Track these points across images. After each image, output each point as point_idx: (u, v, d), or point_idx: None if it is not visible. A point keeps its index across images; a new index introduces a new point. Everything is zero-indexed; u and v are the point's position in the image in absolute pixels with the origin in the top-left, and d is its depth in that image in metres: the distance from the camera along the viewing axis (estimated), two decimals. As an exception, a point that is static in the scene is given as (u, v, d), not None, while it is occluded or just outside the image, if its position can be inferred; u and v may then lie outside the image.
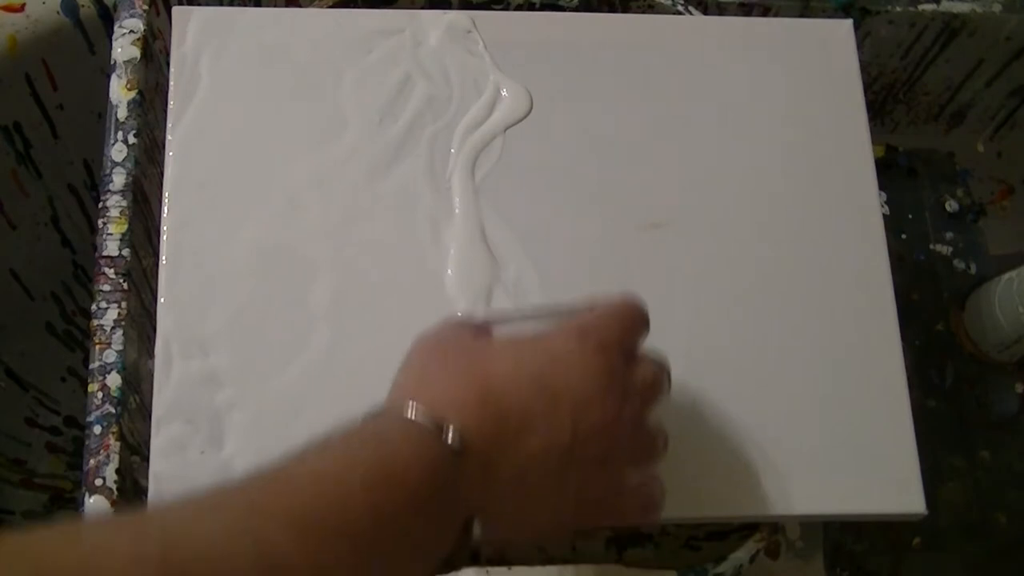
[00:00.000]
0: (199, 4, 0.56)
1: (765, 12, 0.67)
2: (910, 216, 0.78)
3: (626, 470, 0.41)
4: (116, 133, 0.54)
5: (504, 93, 0.54)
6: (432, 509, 0.34)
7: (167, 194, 0.50)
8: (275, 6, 0.64)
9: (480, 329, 0.42)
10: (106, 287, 0.51)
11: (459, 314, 0.44)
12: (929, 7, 0.69)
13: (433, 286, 0.50)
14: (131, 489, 0.49)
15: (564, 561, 0.56)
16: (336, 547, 0.31)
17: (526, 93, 0.54)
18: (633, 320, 0.42)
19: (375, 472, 0.33)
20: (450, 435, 0.35)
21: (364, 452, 0.34)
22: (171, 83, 0.52)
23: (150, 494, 0.45)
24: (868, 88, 0.68)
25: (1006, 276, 0.70)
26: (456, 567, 0.37)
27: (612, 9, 0.64)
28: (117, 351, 0.50)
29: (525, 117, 0.54)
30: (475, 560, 0.58)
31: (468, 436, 0.35)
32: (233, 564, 0.28)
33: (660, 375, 0.42)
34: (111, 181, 0.53)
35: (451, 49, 0.55)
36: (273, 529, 0.30)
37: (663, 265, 0.52)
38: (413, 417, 0.36)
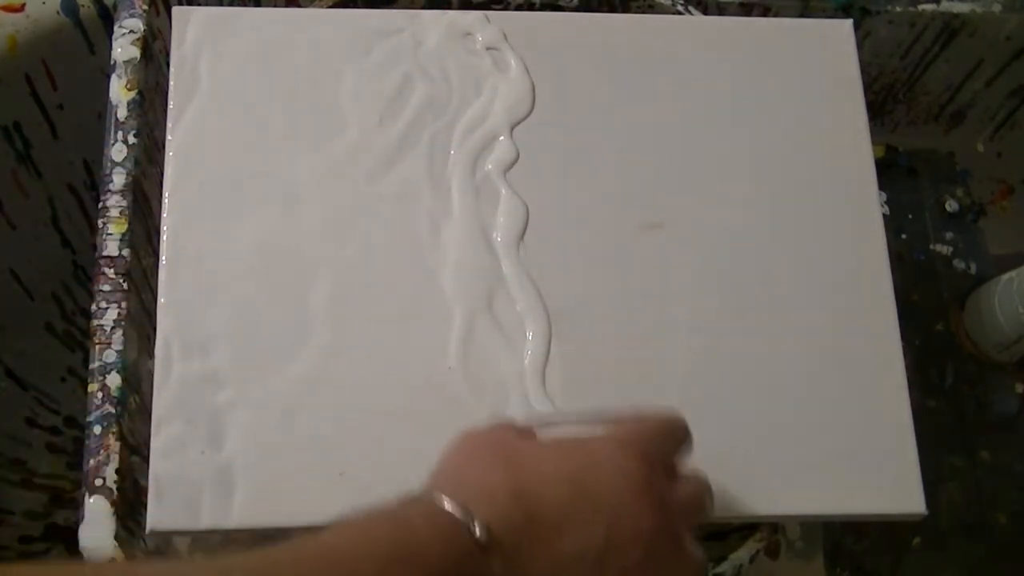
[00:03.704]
0: (199, 4, 0.56)
1: (765, 12, 0.67)
2: (910, 216, 0.78)
3: None
4: (116, 133, 0.54)
5: (504, 93, 0.54)
6: None
7: (167, 194, 0.50)
8: (275, 6, 0.64)
9: (524, 431, 0.42)
10: (106, 287, 0.51)
11: (503, 416, 0.44)
12: (929, 7, 0.69)
13: (433, 286, 0.50)
14: (131, 489, 0.49)
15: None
16: None
17: (526, 93, 0.54)
18: (677, 435, 0.42)
19: (391, 552, 0.33)
20: (477, 528, 0.34)
21: (382, 532, 0.34)
22: (171, 83, 0.52)
23: (150, 494, 0.45)
24: (868, 88, 0.68)
25: (1006, 276, 0.71)
26: None
27: (612, 9, 0.64)
28: (117, 351, 0.50)
29: (525, 118, 0.54)
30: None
31: (497, 531, 0.35)
32: None
33: (702, 494, 0.41)
34: (111, 181, 0.53)
35: (451, 49, 0.55)
36: None
37: (663, 265, 0.52)
38: (441, 506, 0.35)
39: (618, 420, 0.41)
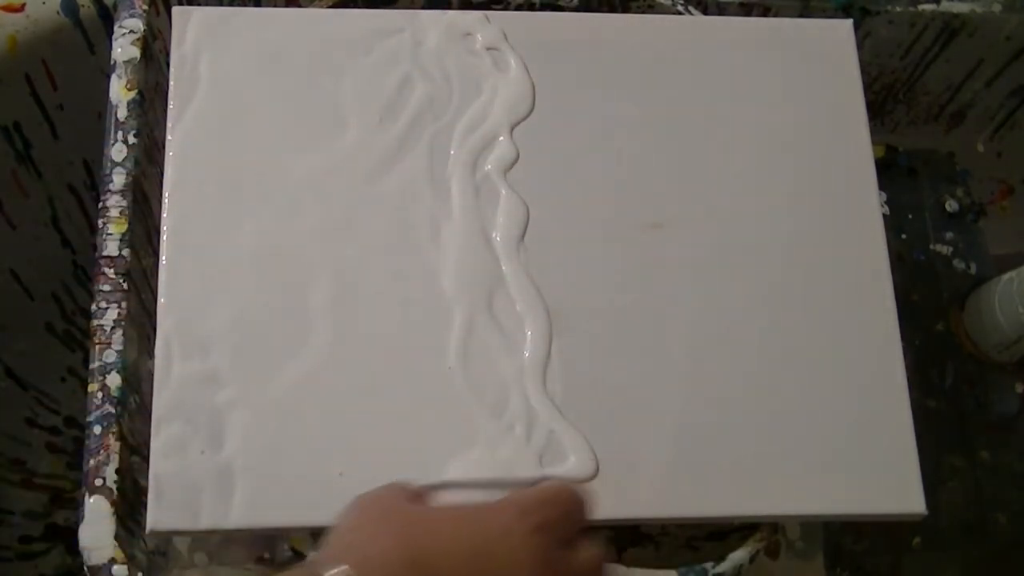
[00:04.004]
0: (199, 4, 0.56)
1: (765, 12, 0.67)
2: (910, 216, 0.78)
3: None
4: (116, 133, 0.54)
5: (504, 93, 0.54)
6: None
7: (167, 194, 0.50)
8: (275, 6, 0.64)
9: (416, 495, 0.42)
10: (106, 287, 0.51)
11: (399, 479, 0.44)
12: (929, 7, 0.69)
13: (433, 286, 0.50)
14: (131, 489, 0.49)
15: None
16: None
17: (526, 93, 0.54)
18: (574, 504, 0.41)
19: None
20: None
21: None
22: (171, 83, 0.52)
23: (150, 494, 0.45)
24: (868, 88, 0.68)
25: (1006, 276, 0.71)
26: None
27: (612, 9, 0.64)
28: (117, 351, 0.50)
29: (525, 118, 0.54)
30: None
31: None
32: None
33: (599, 562, 0.41)
34: (111, 181, 0.53)
35: (451, 49, 0.55)
36: None
37: (663, 265, 0.52)
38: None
39: (512, 486, 0.41)
